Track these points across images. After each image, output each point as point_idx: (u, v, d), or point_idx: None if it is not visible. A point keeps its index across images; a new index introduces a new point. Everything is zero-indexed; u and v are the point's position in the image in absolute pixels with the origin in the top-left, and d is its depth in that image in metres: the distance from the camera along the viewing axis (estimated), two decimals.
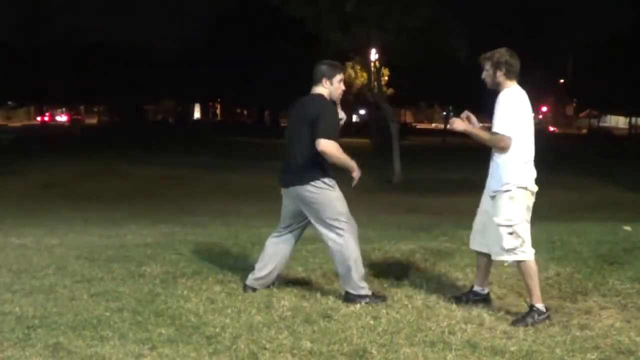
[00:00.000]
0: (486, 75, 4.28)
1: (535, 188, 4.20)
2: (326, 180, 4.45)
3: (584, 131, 70.39)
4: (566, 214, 12.83)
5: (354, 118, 78.51)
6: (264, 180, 21.44)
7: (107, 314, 4.15)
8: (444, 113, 59.10)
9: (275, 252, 4.76)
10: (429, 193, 18.02)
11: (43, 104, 68.72)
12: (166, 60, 65.92)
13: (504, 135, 4.11)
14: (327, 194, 4.44)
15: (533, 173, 4.21)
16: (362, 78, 44.17)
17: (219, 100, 78.75)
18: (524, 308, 4.29)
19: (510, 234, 4.12)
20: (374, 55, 25.88)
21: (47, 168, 24.32)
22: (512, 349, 3.58)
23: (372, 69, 26.51)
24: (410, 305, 4.38)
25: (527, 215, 4.19)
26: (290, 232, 4.78)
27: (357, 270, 4.46)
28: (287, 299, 4.50)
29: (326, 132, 4.33)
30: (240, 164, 27.26)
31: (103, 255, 6.02)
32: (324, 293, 4.65)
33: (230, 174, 23.65)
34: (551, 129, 70.84)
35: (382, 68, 27.71)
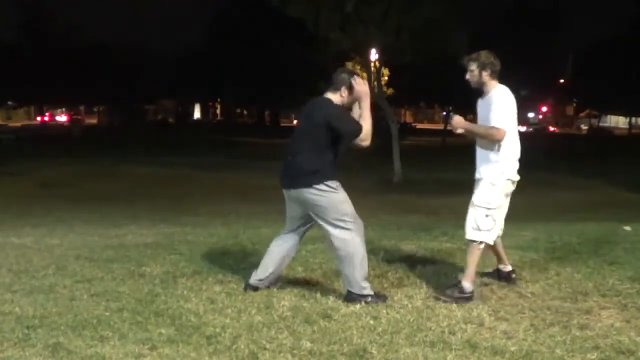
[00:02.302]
0: (471, 75, 4.61)
1: (517, 177, 4.63)
2: (330, 182, 4.44)
3: (585, 129, 70.32)
4: (566, 214, 12.83)
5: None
6: (264, 180, 21.43)
7: (107, 314, 4.15)
8: (444, 113, 59.10)
9: (279, 252, 4.75)
10: (429, 193, 18.00)
11: (43, 104, 68.75)
12: (166, 60, 65.93)
13: (500, 129, 4.48)
14: (331, 197, 4.43)
15: (517, 165, 4.64)
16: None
17: (219, 100, 78.76)
18: (525, 308, 4.30)
19: (487, 216, 4.51)
20: (374, 55, 25.87)
21: (47, 168, 24.30)
22: (512, 349, 3.58)
23: (372, 69, 26.49)
24: (410, 305, 4.38)
25: (505, 202, 4.65)
26: (295, 233, 4.77)
27: (362, 269, 4.46)
28: (287, 299, 4.50)
29: (352, 130, 4.43)
30: (240, 164, 27.25)
31: (103, 255, 6.02)
32: (324, 293, 4.65)
33: (230, 174, 23.64)
34: (551, 129, 70.89)
35: (382, 68, 27.69)
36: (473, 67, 4.58)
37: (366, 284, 4.48)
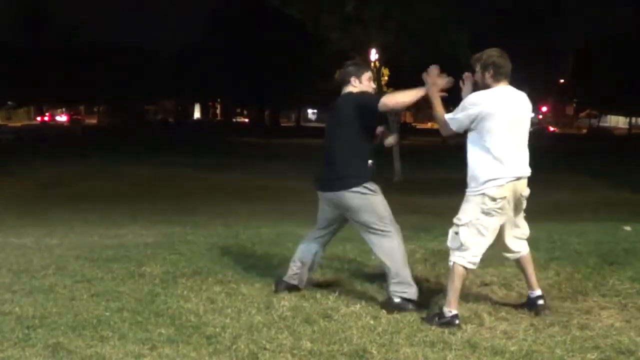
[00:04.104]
0: (476, 76, 4.19)
1: (498, 194, 4.01)
2: (368, 185, 4.33)
3: (584, 131, 70.36)
4: (566, 214, 12.82)
5: None
6: (264, 180, 21.45)
7: (107, 314, 4.15)
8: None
9: (307, 250, 4.69)
10: (429, 193, 17.99)
11: (43, 104, 68.75)
12: (166, 60, 65.96)
13: (446, 123, 4.15)
14: (370, 199, 4.33)
15: (503, 180, 4.03)
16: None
17: (219, 100, 78.78)
18: (525, 308, 4.29)
19: (456, 233, 4.05)
20: (374, 55, 25.88)
21: (47, 168, 24.30)
22: (512, 349, 3.58)
23: (372, 69, 26.51)
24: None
25: (489, 221, 4.02)
26: (326, 233, 4.68)
27: (405, 272, 4.34)
28: (287, 299, 4.49)
29: (374, 98, 4.30)
30: (240, 164, 27.25)
31: (103, 255, 6.02)
32: (324, 293, 4.64)
33: (230, 174, 23.63)
34: (551, 129, 70.85)
35: (382, 68, 27.69)
36: (477, 67, 4.18)
37: (409, 288, 4.32)
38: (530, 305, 4.28)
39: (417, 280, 5.01)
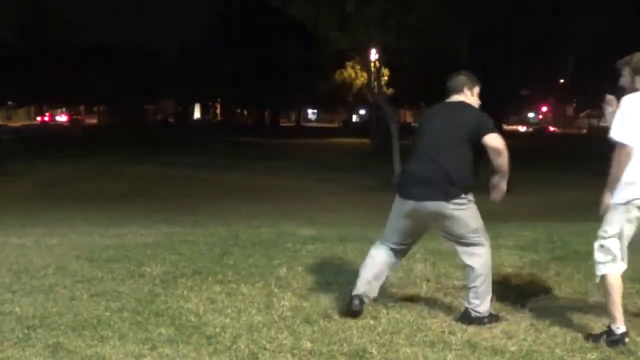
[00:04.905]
0: (623, 81, 3.95)
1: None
2: (469, 196, 4.11)
3: (584, 131, 70.37)
4: (566, 214, 12.84)
5: (354, 118, 78.61)
6: (264, 180, 21.47)
7: (107, 314, 4.15)
8: None
9: (383, 262, 4.30)
10: None
11: (43, 104, 68.74)
12: (166, 60, 65.95)
13: (620, 144, 3.79)
14: (470, 209, 4.11)
15: None
16: (362, 78, 44.10)
17: (219, 100, 78.77)
18: (525, 308, 4.29)
19: (602, 246, 3.91)
20: (374, 55, 25.89)
21: (47, 168, 24.32)
22: (512, 349, 3.58)
23: (372, 69, 26.51)
24: (410, 305, 4.37)
25: (628, 229, 3.86)
26: (402, 249, 4.34)
27: (490, 286, 4.20)
28: (287, 299, 4.49)
29: (494, 127, 4.07)
30: (240, 164, 27.26)
31: (103, 255, 6.01)
32: (324, 293, 4.65)
33: (230, 174, 23.64)
34: (551, 129, 70.86)
35: (382, 68, 27.70)
36: (625, 71, 3.93)
37: (488, 302, 4.18)
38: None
39: (418, 280, 5.02)
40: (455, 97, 4.29)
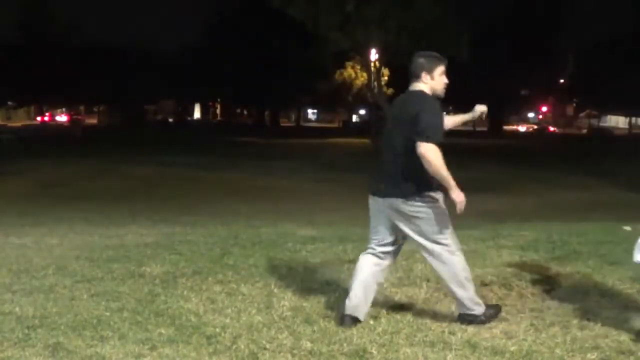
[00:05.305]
0: None
1: None
2: (432, 193, 3.88)
3: (584, 131, 70.39)
4: (566, 214, 12.83)
5: (354, 118, 78.60)
6: (264, 180, 21.45)
7: (107, 314, 4.15)
8: (444, 113, 59.02)
9: (369, 274, 4.10)
10: None
11: (43, 104, 68.73)
12: (166, 60, 65.92)
13: None
14: (432, 208, 3.89)
15: None
16: (362, 78, 44.14)
17: (219, 100, 78.77)
18: (525, 308, 4.29)
19: None
20: (374, 55, 25.91)
21: (47, 168, 24.29)
22: (512, 349, 3.58)
23: (372, 69, 26.53)
24: (410, 305, 4.37)
25: None
26: (387, 248, 4.12)
27: (471, 286, 4.02)
28: (287, 299, 4.49)
29: (425, 132, 3.74)
30: (240, 164, 27.24)
31: (103, 255, 6.01)
32: (324, 293, 4.65)
33: (230, 174, 23.63)
34: (551, 129, 70.86)
35: (382, 68, 27.71)
36: None
37: (477, 300, 4.04)
38: None
39: (418, 280, 5.02)
40: (414, 85, 4.01)
